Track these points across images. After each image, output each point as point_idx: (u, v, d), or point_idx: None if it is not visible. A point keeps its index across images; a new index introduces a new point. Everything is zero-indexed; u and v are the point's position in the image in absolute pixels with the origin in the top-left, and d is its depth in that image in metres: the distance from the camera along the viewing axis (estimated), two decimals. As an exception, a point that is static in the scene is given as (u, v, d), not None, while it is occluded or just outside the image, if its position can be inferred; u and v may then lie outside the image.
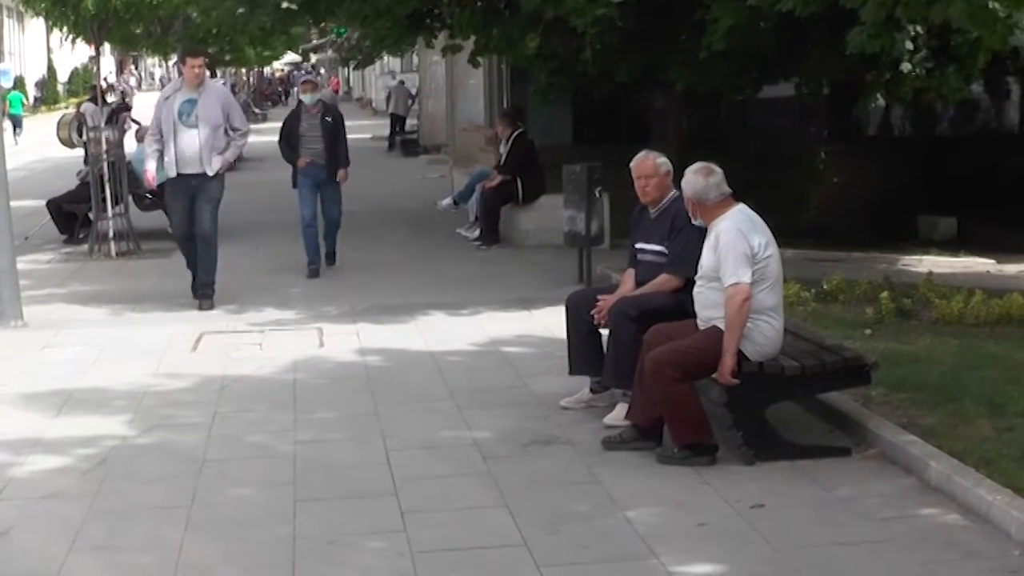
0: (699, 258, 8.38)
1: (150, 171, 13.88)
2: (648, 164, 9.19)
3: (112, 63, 76.07)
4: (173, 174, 13.59)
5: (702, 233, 8.44)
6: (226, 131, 13.77)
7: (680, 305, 8.67)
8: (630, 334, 8.82)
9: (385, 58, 45.23)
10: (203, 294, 13.85)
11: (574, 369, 9.51)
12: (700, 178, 8.20)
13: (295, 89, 63.86)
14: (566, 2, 14.77)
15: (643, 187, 9.21)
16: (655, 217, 9.19)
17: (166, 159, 13.62)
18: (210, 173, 13.55)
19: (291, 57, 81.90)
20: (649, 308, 8.87)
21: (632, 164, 9.28)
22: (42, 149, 36.52)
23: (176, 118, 13.50)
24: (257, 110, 62.64)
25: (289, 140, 16.11)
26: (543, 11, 15.47)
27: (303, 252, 15.93)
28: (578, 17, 14.73)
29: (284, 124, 16.45)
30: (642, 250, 9.32)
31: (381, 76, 59.37)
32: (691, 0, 14.14)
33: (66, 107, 48.17)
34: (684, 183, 8.32)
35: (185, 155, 13.50)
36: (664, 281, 9.04)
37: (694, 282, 8.49)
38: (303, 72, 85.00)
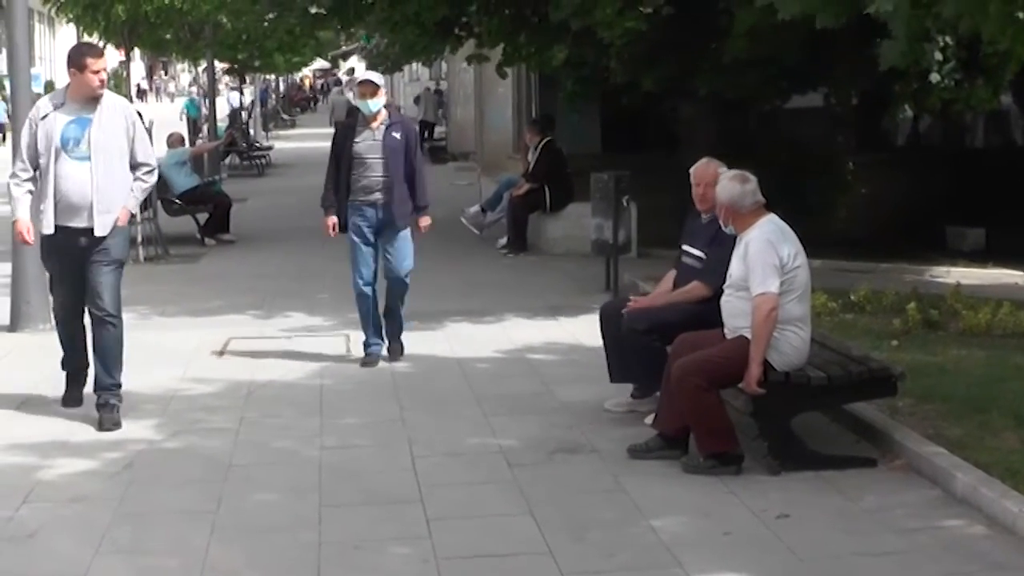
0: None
1: (21, 221, 9.47)
2: (710, 172, 9.16)
3: (142, 68, 76.32)
4: (50, 229, 9.35)
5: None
6: (132, 167, 9.55)
7: (696, 318, 8.71)
8: (646, 345, 8.99)
9: (413, 65, 45.30)
10: (103, 402, 9.50)
11: (614, 377, 9.52)
12: (736, 184, 8.22)
13: (330, 95, 63.36)
14: (595, 14, 14.78)
15: (702, 194, 9.18)
16: (706, 223, 9.19)
17: (41, 205, 9.38)
18: (100, 233, 9.33)
19: (318, 63, 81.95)
20: (660, 322, 8.99)
21: (692, 170, 9.29)
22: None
23: (59, 145, 9.29)
24: (286, 116, 62.92)
25: (338, 160, 11.25)
26: (571, 22, 15.47)
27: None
28: (607, 30, 14.75)
29: (334, 140, 11.52)
30: (686, 252, 9.36)
31: (410, 83, 59.36)
32: (719, 9, 14.14)
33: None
34: (719, 189, 8.34)
35: (70, 200, 9.28)
36: (693, 288, 9.09)
37: (720, 295, 8.55)
38: (334, 76, 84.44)
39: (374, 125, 11.15)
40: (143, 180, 9.60)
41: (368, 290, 11.33)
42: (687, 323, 8.71)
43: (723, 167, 9.19)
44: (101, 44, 22.56)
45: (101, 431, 9.25)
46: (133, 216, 10.34)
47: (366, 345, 11.46)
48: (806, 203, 16.57)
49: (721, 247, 8.90)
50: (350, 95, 57.35)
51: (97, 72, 9.35)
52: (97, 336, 9.63)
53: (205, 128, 34.53)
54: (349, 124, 11.50)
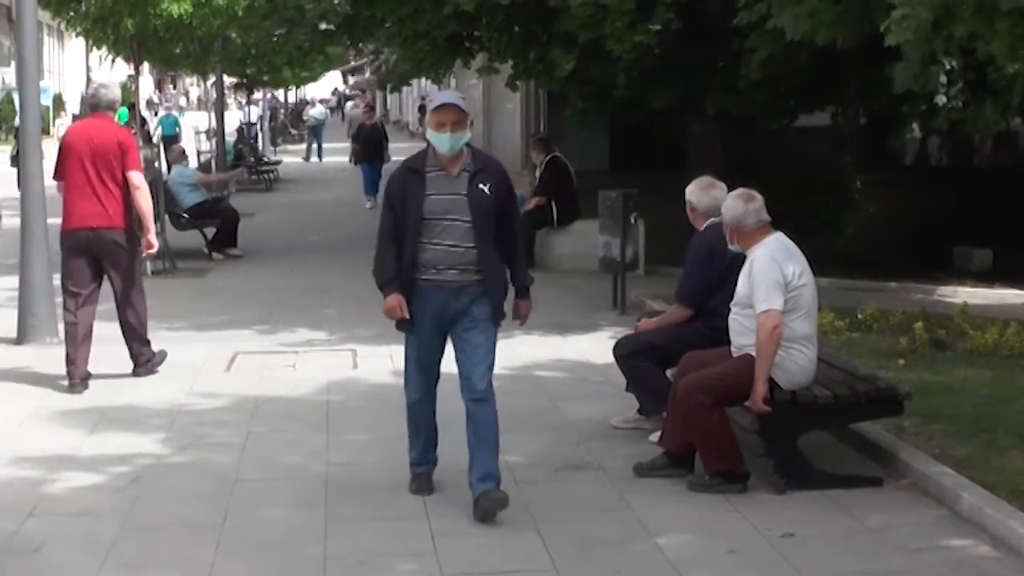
0: (698, 287, 8.90)
1: None
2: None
3: (151, 82, 76.40)
4: None
5: (702, 261, 8.86)
6: None
7: (680, 340, 8.89)
8: (635, 369, 9.21)
9: (422, 81, 45.35)
10: None
11: (629, 387, 9.59)
12: (740, 203, 8.23)
13: (347, 107, 62.65)
14: (604, 26, 14.81)
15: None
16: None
17: None
18: None
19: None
20: (642, 345, 9.23)
21: None
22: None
23: None
24: (294, 131, 62.94)
25: (399, 222, 7.64)
26: (580, 34, 15.50)
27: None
28: (616, 43, 14.77)
29: (390, 194, 7.87)
30: None
31: (419, 99, 59.32)
32: (729, 28, 14.17)
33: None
34: (724, 207, 8.37)
35: None
36: (672, 311, 9.37)
37: (705, 313, 8.86)
38: (334, 92, 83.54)
39: (454, 170, 7.64)
40: None
41: (426, 400, 8.16)
42: (672, 345, 8.89)
43: (689, 185, 9.33)
44: (109, 58, 22.57)
45: None
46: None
47: (415, 463, 8.22)
48: (813, 222, 16.59)
49: (684, 265, 9.26)
50: (318, 109, 56.71)
51: None
52: None
53: (212, 143, 34.55)
54: (414, 168, 7.70)
